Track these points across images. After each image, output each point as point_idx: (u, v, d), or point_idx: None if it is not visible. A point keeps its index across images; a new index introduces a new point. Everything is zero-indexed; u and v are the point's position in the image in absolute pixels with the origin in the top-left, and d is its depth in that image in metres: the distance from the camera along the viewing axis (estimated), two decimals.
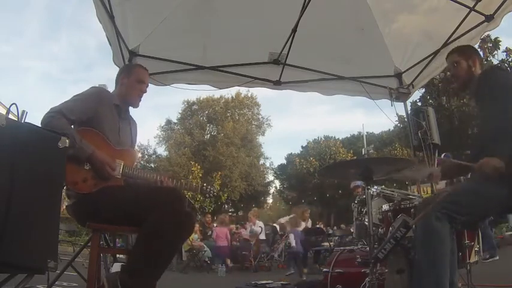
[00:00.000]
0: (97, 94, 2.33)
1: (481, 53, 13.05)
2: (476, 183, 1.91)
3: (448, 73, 2.45)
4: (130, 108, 2.55)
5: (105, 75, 37.16)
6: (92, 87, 2.45)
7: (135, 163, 2.38)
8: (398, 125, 15.63)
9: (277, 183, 34.84)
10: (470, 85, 2.25)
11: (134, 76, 2.49)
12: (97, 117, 2.22)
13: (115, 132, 2.31)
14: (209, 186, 2.66)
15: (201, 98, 30.23)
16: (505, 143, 1.88)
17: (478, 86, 2.16)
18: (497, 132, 1.97)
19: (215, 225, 10.63)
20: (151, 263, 1.89)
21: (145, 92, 2.54)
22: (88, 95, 2.29)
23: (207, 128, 30.70)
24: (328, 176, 4.87)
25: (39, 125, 1.96)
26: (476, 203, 1.88)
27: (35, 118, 1.82)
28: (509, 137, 1.89)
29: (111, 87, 2.62)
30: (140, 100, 2.52)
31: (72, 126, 2.15)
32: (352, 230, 7.27)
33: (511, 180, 1.83)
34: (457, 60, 2.30)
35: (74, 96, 2.26)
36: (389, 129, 26.01)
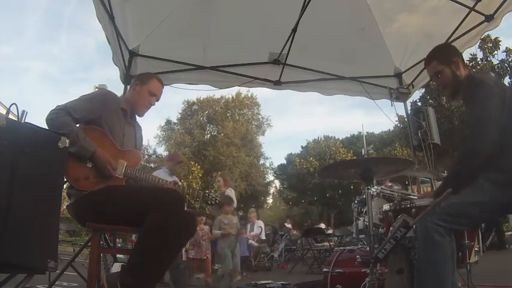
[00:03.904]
0: (103, 97, 2.33)
1: (480, 53, 12.99)
2: (476, 192, 1.91)
3: (433, 83, 2.32)
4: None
5: (105, 75, 37.25)
6: (99, 89, 2.46)
7: (139, 164, 2.37)
8: (398, 125, 15.59)
9: (277, 183, 34.90)
10: (459, 91, 2.19)
11: (147, 86, 2.45)
12: (101, 120, 2.21)
13: (119, 136, 2.30)
14: (212, 194, 2.63)
15: (201, 98, 30.26)
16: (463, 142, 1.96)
17: (465, 92, 2.12)
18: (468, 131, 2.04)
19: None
20: (153, 264, 1.89)
21: (154, 104, 2.50)
22: (94, 96, 2.31)
23: (207, 128, 30.69)
24: (328, 176, 4.87)
25: (41, 124, 1.96)
26: (477, 211, 1.89)
27: (35, 118, 1.82)
28: (469, 136, 1.99)
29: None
30: (146, 111, 2.49)
31: (78, 125, 2.16)
32: (352, 230, 7.30)
33: (506, 184, 1.85)
34: (439, 70, 2.18)
35: (82, 96, 2.27)
36: (389, 129, 26.02)
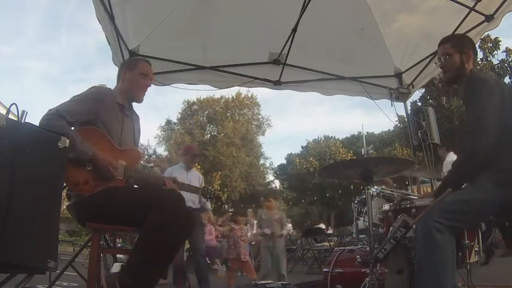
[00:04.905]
0: (96, 95, 2.26)
1: (480, 53, 12.99)
2: (475, 190, 1.91)
3: (437, 62, 2.33)
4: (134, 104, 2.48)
5: (105, 75, 37.19)
6: (92, 87, 2.39)
7: (138, 164, 2.35)
8: (398, 125, 15.60)
9: (277, 183, 34.88)
10: (459, 83, 2.19)
11: (137, 70, 2.40)
12: (98, 119, 2.17)
13: (118, 132, 2.26)
14: (210, 188, 2.64)
15: (201, 98, 30.24)
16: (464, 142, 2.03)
17: (466, 90, 2.11)
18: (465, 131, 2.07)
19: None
20: (152, 264, 1.89)
21: (150, 85, 2.45)
22: (86, 96, 2.23)
23: (207, 128, 30.68)
24: (328, 176, 4.87)
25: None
26: (476, 209, 1.89)
27: (35, 118, 1.82)
28: (469, 136, 2.00)
29: (111, 87, 2.56)
30: (144, 94, 2.43)
31: (73, 128, 2.12)
32: (352, 230, 7.30)
33: (507, 184, 1.85)
34: (450, 52, 2.17)
35: (73, 97, 2.20)
36: (389, 129, 26.00)
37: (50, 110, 2.06)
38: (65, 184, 2.02)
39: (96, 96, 2.24)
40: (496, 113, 1.90)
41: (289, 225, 15.50)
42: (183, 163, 5.00)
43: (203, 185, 4.80)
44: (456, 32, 3.84)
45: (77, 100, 2.18)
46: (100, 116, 2.18)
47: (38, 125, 1.97)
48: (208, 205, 5.02)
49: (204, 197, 2.70)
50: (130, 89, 2.38)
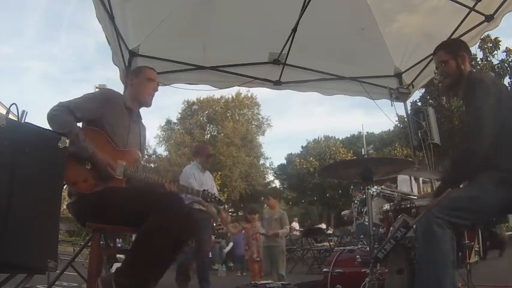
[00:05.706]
0: (106, 96, 2.35)
1: (480, 53, 12.96)
2: (476, 188, 1.92)
3: (436, 71, 2.43)
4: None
5: (105, 75, 37.24)
6: (103, 89, 2.47)
7: (138, 164, 2.36)
8: (398, 125, 15.58)
9: (277, 183, 34.83)
10: (460, 86, 2.21)
11: (143, 75, 2.50)
12: (104, 119, 2.22)
13: (124, 134, 2.31)
14: (210, 192, 2.65)
15: (201, 98, 30.22)
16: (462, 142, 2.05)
17: (465, 91, 2.13)
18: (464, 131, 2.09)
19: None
20: (152, 264, 1.89)
21: (157, 90, 2.53)
22: (97, 95, 2.33)
23: (207, 128, 30.67)
24: (328, 176, 4.87)
25: (41, 124, 1.96)
26: (477, 207, 1.90)
27: (35, 118, 1.82)
28: (468, 136, 2.01)
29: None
30: (151, 99, 2.51)
31: (80, 124, 2.18)
32: (352, 230, 7.30)
33: (506, 183, 1.85)
34: (445, 59, 2.23)
35: (85, 94, 2.29)
36: (389, 129, 25.97)
37: (60, 102, 2.12)
38: (64, 182, 2.02)
39: (105, 97, 2.32)
40: (492, 112, 1.91)
41: (295, 224, 15.31)
42: (199, 163, 4.83)
43: (215, 189, 4.81)
44: (456, 32, 3.85)
45: (88, 98, 2.26)
46: (106, 116, 2.23)
47: (46, 115, 2.04)
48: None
49: (205, 200, 2.70)
50: (137, 93, 2.46)
